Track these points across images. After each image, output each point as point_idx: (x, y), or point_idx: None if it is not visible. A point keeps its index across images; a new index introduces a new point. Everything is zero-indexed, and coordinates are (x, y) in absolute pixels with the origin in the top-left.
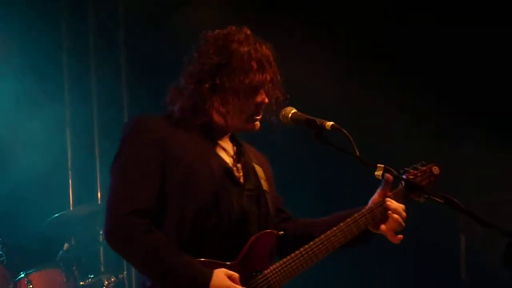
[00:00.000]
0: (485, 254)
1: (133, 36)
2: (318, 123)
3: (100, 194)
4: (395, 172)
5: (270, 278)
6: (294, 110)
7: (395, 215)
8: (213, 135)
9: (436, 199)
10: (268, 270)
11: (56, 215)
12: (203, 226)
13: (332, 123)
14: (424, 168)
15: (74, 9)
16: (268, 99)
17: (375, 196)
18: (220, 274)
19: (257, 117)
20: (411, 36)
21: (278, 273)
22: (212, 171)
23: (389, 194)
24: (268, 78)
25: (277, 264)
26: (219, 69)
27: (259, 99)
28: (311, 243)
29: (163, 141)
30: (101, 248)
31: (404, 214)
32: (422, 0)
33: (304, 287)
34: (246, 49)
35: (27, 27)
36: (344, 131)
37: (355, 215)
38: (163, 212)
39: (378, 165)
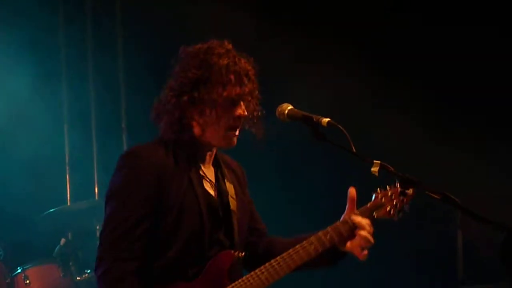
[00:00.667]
0: (482, 251)
1: (131, 28)
2: (314, 119)
3: (98, 189)
4: (391, 168)
5: None
6: (290, 107)
7: (362, 232)
8: (198, 161)
9: (433, 195)
10: None
11: (53, 209)
12: (183, 257)
13: (328, 119)
14: (395, 189)
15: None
16: (246, 112)
17: (344, 215)
18: None
19: (235, 132)
20: (407, 37)
21: None
22: (200, 212)
23: (355, 211)
24: (246, 91)
25: (237, 282)
26: (198, 82)
27: (237, 112)
28: (272, 260)
29: (158, 180)
30: (98, 243)
31: (370, 229)
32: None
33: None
34: (225, 62)
35: (25, 19)
36: (341, 127)
37: (319, 233)
38: (151, 245)
39: (375, 161)
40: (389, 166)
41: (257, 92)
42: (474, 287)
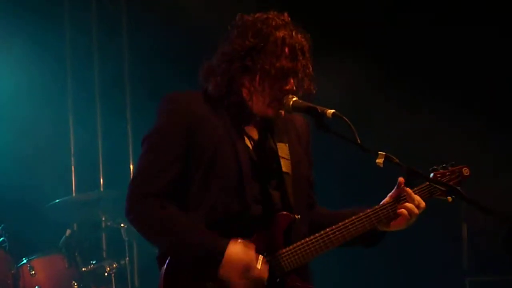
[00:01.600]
0: (487, 242)
1: (136, 15)
2: (319, 110)
3: (103, 181)
4: (396, 160)
5: (282, 259)
6: (295, 98)
7: (405, 212)
8: (241, 120)
9: (438, 187)
10: (282, 251)
11: (58, 200)
12: (226, 211)
13: (333, 110)
14: (454, 168)
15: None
16: (296, 88)
17: (391, 193)
18: (236, 245)
19: (281, 103)
20: (410, 37)
21: (291, 255)
22: (236, 159)
23: (413, 189)
24: (299, 66)
25: (291, 246)
26: (252, 51)
27: (287, 86)
28: (328, 229)
29: (192, 125)
30: (103, 234)
31: (416, 211)
32: (418, 2)
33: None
34: (281, 34)
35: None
36: (345, 118)
37: (374, 208)
38: (186, 194)
39: (379, 152)
40: (394, 158)
41: (310, 68)
42: (479, 279)
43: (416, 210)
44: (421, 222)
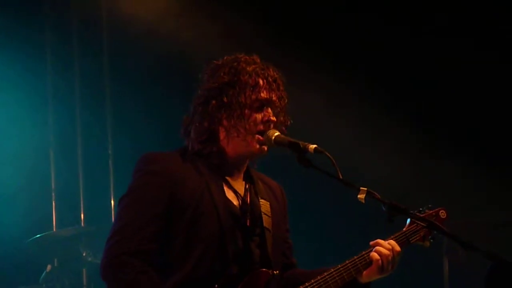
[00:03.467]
0: (468, 278)
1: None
2: (301, 145)
3: (84, 216)
4: (377, 195)
5: None
6: (277, 133)
7: (376, 256)
8: (224, 173)
9: (419, 223)
10: None
11: (39, 235)
12: (208, 270)
13: (315, 146)
14: (431, 211)
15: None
16: (275, 118)
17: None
18: None
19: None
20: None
21: None
22: (218, 216)
23: (389, 237)
24: (274, 97)
25: None
26: (226, 86)
27: (266, 117)
28: (307, 284)
29: (171, 185)
30: (84, 270)
31: (386, 253)
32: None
33: None
34: (253, 67)
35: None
36: (327, 153)
37: (352, 258)
38: (169, 253)
39: (361, 188)
40: (375, 193)
41: (286, 100)
42: None
43: (387, 252)
44: (402, 257)
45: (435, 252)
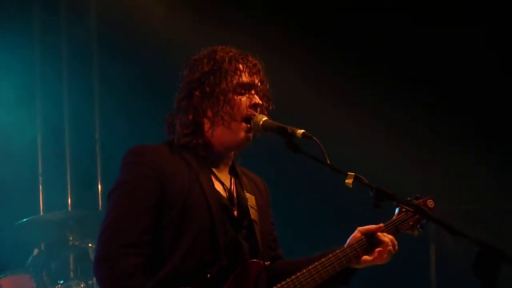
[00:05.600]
0: (455, 264)
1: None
2: (289, 130)
3: (71, 201)
4: (365, 180)
5: None
6: (265, 118)
7: (386, 248)
8: (211, 165)
9: (407, 208)
10: None
11: (26, 219)
12: (198, 261)
13: (303, 131)
14: (418, 201)
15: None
16: (260, 101)
17: (356, 233)
18: None
19: (249, 124)
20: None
21: None
22: (209, 207)
23: (381, 227)
24: (256, 80)
25: None
26: (207, 76)
27: (251, 100)
28: (298, 274)
29: (161, 175)
30: (71, 254)
31: (392, 245)
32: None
33: None
34: (231, 54)
35: None
36: (315, 139)
37: (339, 251)
38: (160, 243)
39: (349, 173)
40: (363, 178)
41: (267, 85)
42: None
43: (391, 248)
44: None
45: (422, 239)
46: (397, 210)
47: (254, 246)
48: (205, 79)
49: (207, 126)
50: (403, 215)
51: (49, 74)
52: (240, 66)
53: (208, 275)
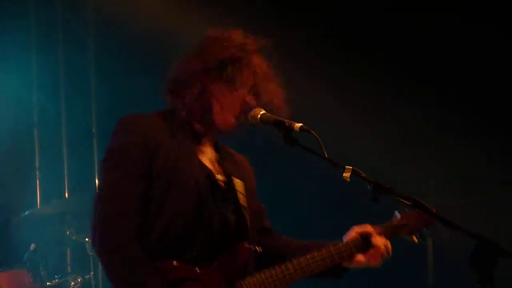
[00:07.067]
0: (452, 258)
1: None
2: (286, 124)
3: (68, 194)
4: (363, 174)
5: None
6: (263, 111)
7: (377, 251)
8: (200, 140)
9: (404, 202)
10: (241, 283)
11: (23, 214)
12: (185, 230)
13: (300, 124)
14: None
15: None
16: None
17: (352, 232)
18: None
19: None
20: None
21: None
22: (195, 177)
23: (377, 229)
24: (271, 86)
25: (251, 280)
26: (228, 62)
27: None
28: (288, 263)
29: (150, 145)
30: (68, 249)
31: (389, 252)
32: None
33: None
34: (262, 54)
35: None
36: (313, 132)
37: (332, 247)
38: (148, 213)
39: (347, 167)
40: (361, 172)
41: (281, 88)
42: None
43: (384, 252)
44: None
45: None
46: (398, 214)
47: (240, 221)
48: (224, 64)
49: (216, 108)
50: (403, 220)
51: (45, 68)
52: (264, 66)
53: (194, 252)
